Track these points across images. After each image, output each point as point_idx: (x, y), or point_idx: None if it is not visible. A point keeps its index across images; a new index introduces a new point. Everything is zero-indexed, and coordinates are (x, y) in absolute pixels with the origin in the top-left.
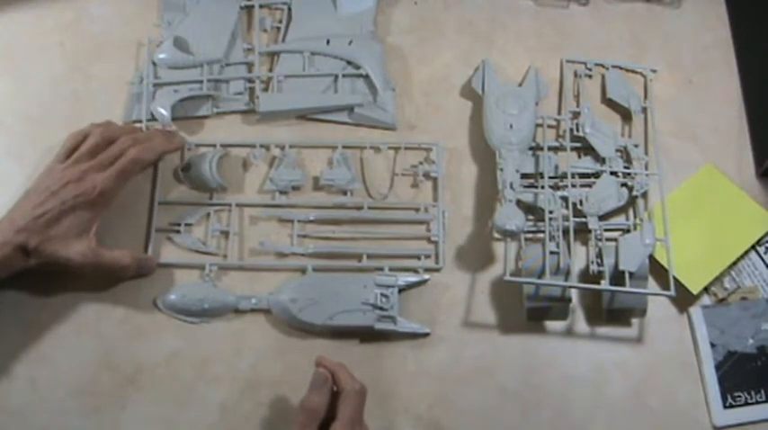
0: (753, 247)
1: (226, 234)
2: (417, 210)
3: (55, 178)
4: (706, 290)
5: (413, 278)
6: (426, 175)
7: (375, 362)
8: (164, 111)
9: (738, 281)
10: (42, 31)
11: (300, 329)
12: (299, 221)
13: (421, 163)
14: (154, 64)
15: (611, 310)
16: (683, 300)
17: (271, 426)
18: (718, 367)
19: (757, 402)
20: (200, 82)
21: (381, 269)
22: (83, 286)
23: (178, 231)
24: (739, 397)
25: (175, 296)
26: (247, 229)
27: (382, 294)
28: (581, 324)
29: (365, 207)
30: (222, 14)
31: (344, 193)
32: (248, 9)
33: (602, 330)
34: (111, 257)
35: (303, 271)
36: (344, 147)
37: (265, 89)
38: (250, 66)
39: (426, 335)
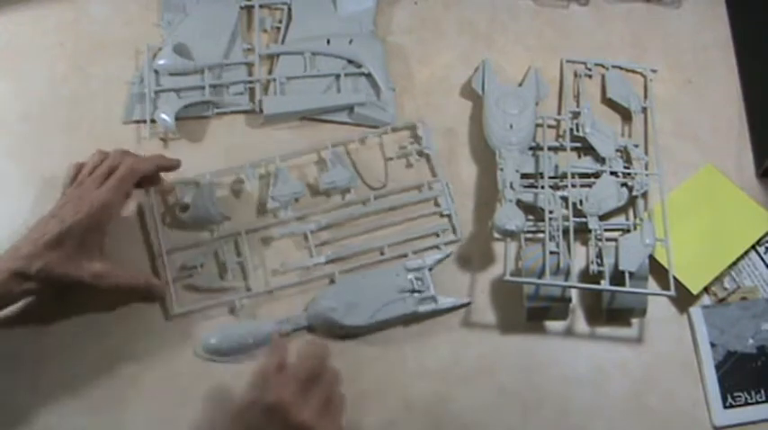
0: (753, 247)
1: (241, 265)
2: (420, 189)
3: (57, 204)
4: (706, 290)
5: (438, 255)
6: (420, 153)
7: (376, 362)
8: (167, 118)
9: (738, 281)
10: (42, 31)
11: (346, 335)
12: (311, 232)
13: (411, 142)
14: (156, 72)
15: (611, 310)
16: (683, 300)
17: None
18: (718, 367)
19: (757, 402)
20: (202, 87)
21: (405, 255)
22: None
23: (191, 275)
24: (739, 397)
25: (216, 340)
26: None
27: (416, 278)
28: (581, 324)
29: (372, 199)
30: (222, 15)
31: (346, 192)
32: (248, 9)
33: (602, 330)
34: (123, 279)
35: (332, 278)
36: (333, 145)
37: (266, 90)
38: (250, 66)
39: (468, 304)
